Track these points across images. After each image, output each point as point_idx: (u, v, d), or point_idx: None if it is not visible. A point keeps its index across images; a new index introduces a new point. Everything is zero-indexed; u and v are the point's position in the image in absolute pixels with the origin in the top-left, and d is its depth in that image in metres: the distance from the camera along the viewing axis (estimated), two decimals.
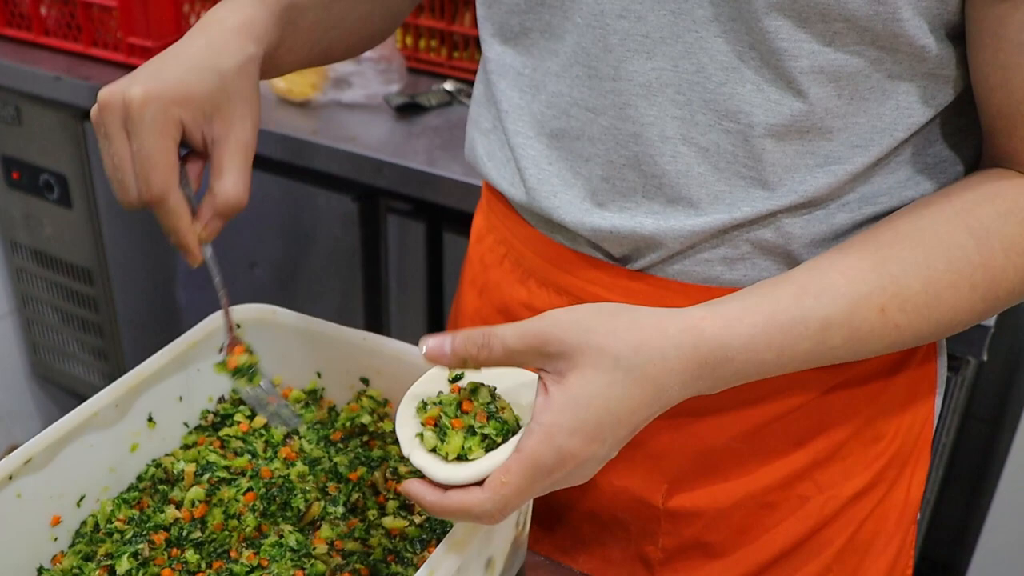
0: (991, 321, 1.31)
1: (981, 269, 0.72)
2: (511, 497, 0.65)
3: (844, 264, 0.73)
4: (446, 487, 0.67)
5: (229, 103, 0.76)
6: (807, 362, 0.72)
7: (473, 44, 1.81)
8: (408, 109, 1.76)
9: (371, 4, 0.96)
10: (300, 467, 0.87)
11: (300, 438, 0.92)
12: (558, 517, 0.96)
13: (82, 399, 0.83)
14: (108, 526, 0.83)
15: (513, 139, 0.86)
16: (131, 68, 1.89)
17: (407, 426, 0.71)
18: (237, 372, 0.83)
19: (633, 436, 0.68)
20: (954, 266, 0.72)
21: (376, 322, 1.80)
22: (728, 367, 0.69)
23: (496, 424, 0.69)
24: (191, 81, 0.74)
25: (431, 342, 0.68)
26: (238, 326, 0.92)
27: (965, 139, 0.80)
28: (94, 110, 0.75)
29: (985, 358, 1.35)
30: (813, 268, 0.73)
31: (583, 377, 0.65)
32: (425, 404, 0.72)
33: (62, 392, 2.48)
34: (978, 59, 0.72)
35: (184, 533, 0.81)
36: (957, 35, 0.73)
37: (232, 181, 0.75)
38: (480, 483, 0.66)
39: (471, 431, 0.69)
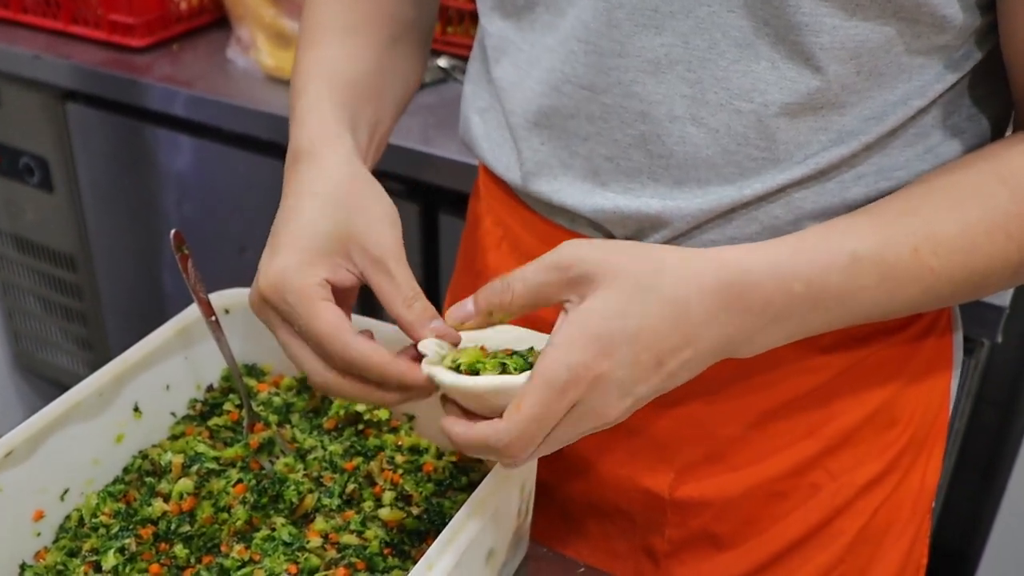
0: (1006, 301, 1.30)
1: (1017, 219, 0.71)
2: (527, 423, 0.65)
3: (873, 209, 0.73)
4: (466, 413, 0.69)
5: (356, 229, 0.74)
6: (840, 303, 0.70)
7: (468, 19, 1.79)
8: None
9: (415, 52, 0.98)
10: (287, 459, 0.86)
11: (292, 427, 0.91)
12: (561, 509, 0.95)
13: (66, 389, 0.83)
14: (93, 520, 0.82)
15: (511, 119, 0.85)
16: (113, 46, 1.89)
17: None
18: (260, 450, 0.87)
19: (657, 367, 0.67)
20: (988, 214, 0.71)
21: (370, 305, 1.78)
22: (756, 295, 0.68)
23: (519, 360, 0.69)
24: (306, 235, 0.74)
25: (451, 310, 0.70)
26: (220, 312, 0.91)
27: (984, 109, 0.80)
28: (254, 308, 0.76)
29: (999, 339, 1.34)
30: (840, 217, 0.74)
31: (601, 297, 0.65)
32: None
33: (45, 383, 2.47)
34: (1011, 25, 0.72)
35: (172, 527, 0.81)
36: (982, 3, 0.72)
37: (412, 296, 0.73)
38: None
39: (492, 356, 0.69)
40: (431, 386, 0.70)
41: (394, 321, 0.73)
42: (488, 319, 0.69)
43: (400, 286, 0.73)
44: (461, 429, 0.67)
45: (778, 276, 0.68)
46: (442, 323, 0.72)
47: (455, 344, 0.71)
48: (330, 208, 0.75)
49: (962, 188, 0.72)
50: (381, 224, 0.75)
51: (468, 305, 0.69)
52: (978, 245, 0.71)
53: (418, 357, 0.71)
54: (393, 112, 0.92)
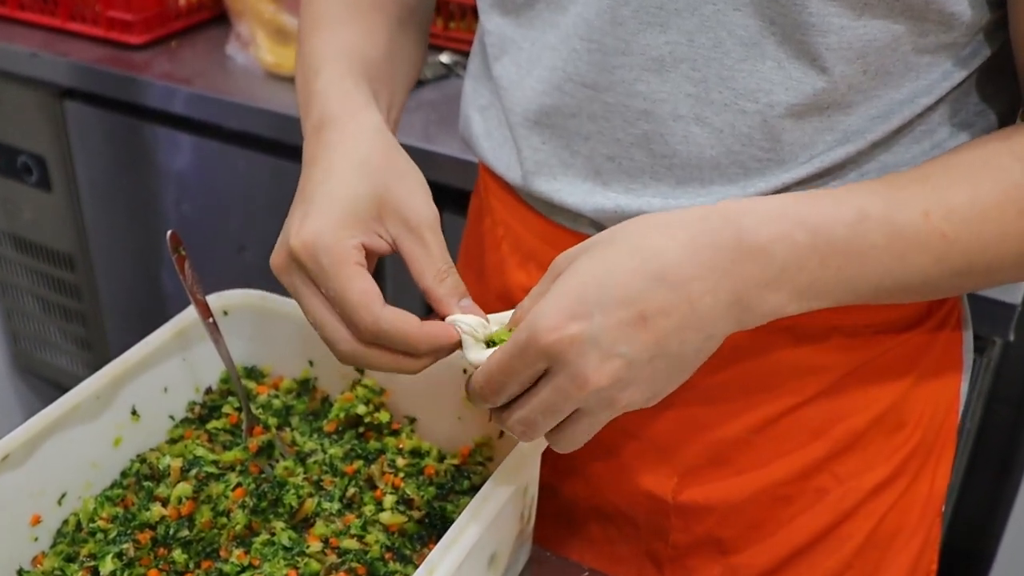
0: (1018, 298, 1.30)
1: None
2: (490, 369, 0.67)
3: (881, 178, 0.72)
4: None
5: (391, 193, 0.73)
6: (848, 260, 0.67)
7: (471, 14, 1.79)
8: None
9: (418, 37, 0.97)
10: (287, 462, 0.86)
11: (292, 430, 0.91)
12: (563, 512, 0.95)
13: (65, 391, 0.83)
14: (91, 525, 0.82)
15: (511, 117, 0.85)
16: (111, 43, 1.89)
17: None
18: (259, 453, 0.86)
19: (641, 324, 0.63)
20: (1000, 186, 0.69)
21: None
22: (754, 242, 0.65)
23: None
24: (341, 196, 0.72)
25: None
26: (219, 313, 0.91)
27: (992, 105, 0.80)
28: (277, 270, 0.74)
29: (1012, 338, 1.34)
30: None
31: (576, 264, 0.66)
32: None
33: (44, 384, 2.47)
34: (1021, 21, 0.72)
35: (171, 532, 0.81)
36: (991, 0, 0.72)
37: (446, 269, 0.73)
38: None
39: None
40: (457, 337, 0.70)
41: (423, 294, 0.72)
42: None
43: (434, 257, 0.72)
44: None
45: (778, 222, 0.65)
46: (471, 302, 0.71)
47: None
48: (366, 173, 0.73)
49: (974, 161, 0.71)
50: (418, 193, 0.73)
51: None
52: (991, 218, 0.69)
53: None
54: (403, 96, 0.91)
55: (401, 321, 0.69)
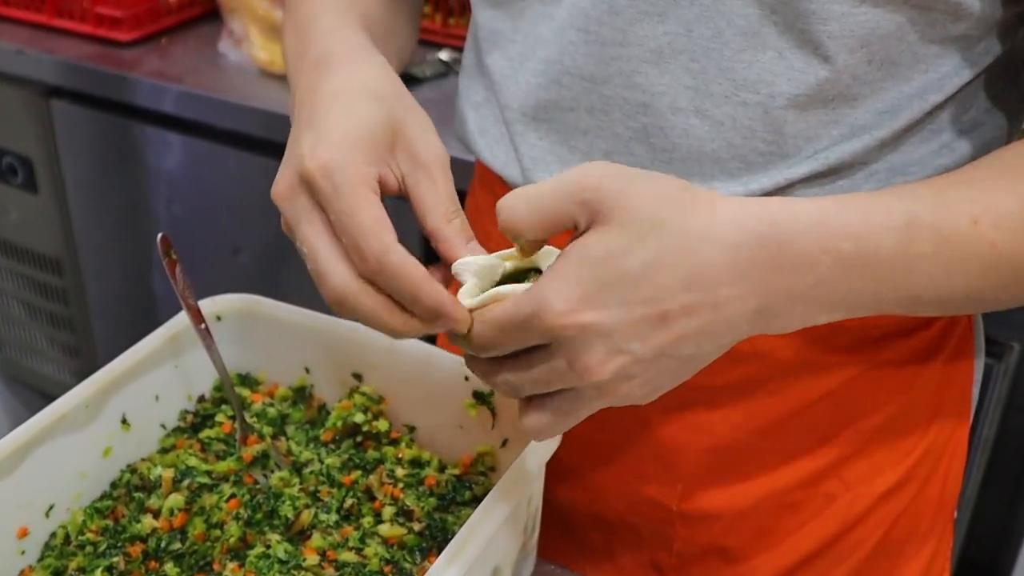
0: None
1: None
2: (489, 325, 0.63)
3: (926, 180, 0.69)
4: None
5: (402, 125, 0.70)
6: (893, 271, 0.64)
7: (470, 10, 1.79)
8: None
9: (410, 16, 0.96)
10: (283, 473, 0.86)
11: (287, 439, 0.91)
12: (566, 523, 0.96)
13: (52, 400, 0.83)
14: (80, 538, 0.83)
15: (506, 113, 0.85)
16: (99, 40, 1.89)
17: None
18: (254, 464, 0.86)
19: (661, 324, 0.60)
20: None
21: None
22: (796, 251, 0.61)
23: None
24: (355, 124, 0.68)
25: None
26: (214, 316, 0.91)
27: (1002, 104, 0.80)
28: (278, 196, 0.69)
29: None
30: (886, 188, 0.70)
31: (600, 235, 0.60)
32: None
33: (31, 392, 2.48)
34: None
35: (163, 544, 0.81)
36: None
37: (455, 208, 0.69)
38: None
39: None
40: (467, 319, 0.65)
41: (428, 236, 0.69)
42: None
43: (442, 197, 0.68)
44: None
45: (824, 230, 0.62)
46: (478, 245, 0.68)
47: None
48: (378, 102, 0.70)
49: (1017, 167, 0.68)
50: (429, 130, 0.71)
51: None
52: None
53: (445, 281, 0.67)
54: (397, 66, 0.89)
55: (412, 261, 0.64)
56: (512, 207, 0.62)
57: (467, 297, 0.65)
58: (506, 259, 0.68)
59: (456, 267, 0.67)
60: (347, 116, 0.68)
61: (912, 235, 0.64)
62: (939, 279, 0.66)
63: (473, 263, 0.66)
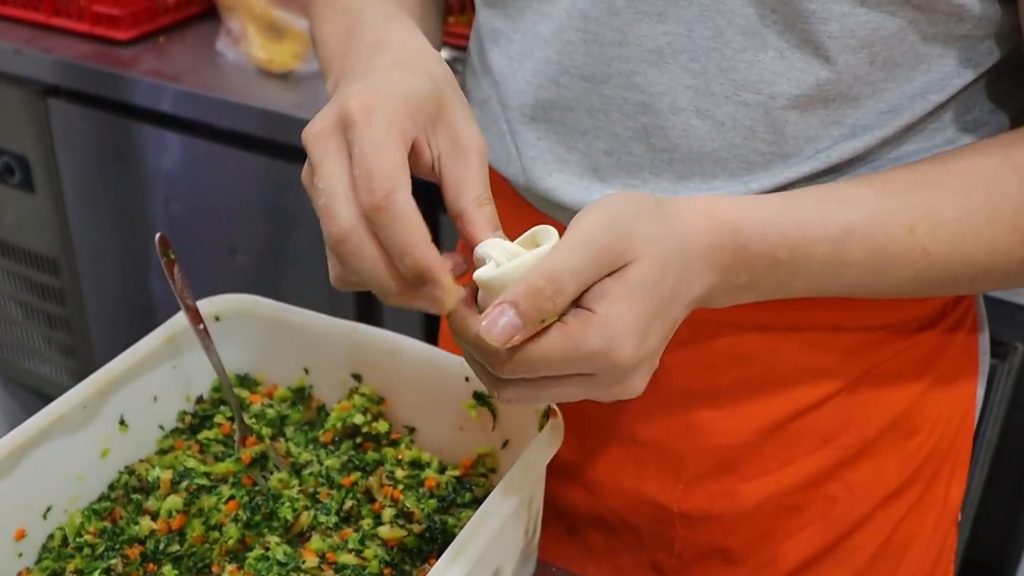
0: None
1: None
2: (531, 359, 0.61)
3: (874, 179, 0.73)
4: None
5: (450, 105, 0.68)
6: (822, 274, 0.71)
7: (471, 8, 1.79)
8: None
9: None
10: (282, 474, 0.86)
11: (286, 440, 0.91)
12: (566, 524, 0.96)
13: (49, 401, 0.83)
14: (77, 540, 0.82)
15: (507, 112, 0.86)
16: (97, 39, 1.89)
17: None
18: (253, 465, 0.86)
19: (669, 333, 0.65)
20: (993, 201, 0.71)
21: (368, 312, 1.79)
22: (741, 257, 0.68)
23: None
24: (409, 85, 0.67)
25: (489, 327, 0.60)
26: (210, 315, 0.91)
27: (1005, 104, 0.80)
28: (305, 163, 0.67)
29: None
30: (840, 181, 0.74)
31: (642, 265, 0.62)
32: None
33: (28, 393, 2.48)
34: None
35: (161, 547, 0.81)
36: None
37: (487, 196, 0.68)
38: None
39: None
40: (454, 290, 0.63)
41: (455, 219, 0.67)
42: (540, 324, 0.61)
43: (476, 181, 0.67)
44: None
45: (764, 239, 0.68)
46: (503, 234, 0.66)
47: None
48: (430, 80, 0.68)
49: (971, 172, 0.73)
50: (472, 119, 0.69)
51: (510, 315, 0.60)
52: (980, 233, 0.71)
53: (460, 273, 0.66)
54: None
55: (415, 214, 0.63)
56: (558, 293, 0.60)
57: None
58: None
59: (480, 248, 0.65)
60: (399, 82, 0.67)
61: (846, 245, 0.70)
62: (869, 281, 0.72)
63: (499, 245, 0.65)
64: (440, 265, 0.62)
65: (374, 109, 0.63)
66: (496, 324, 0.59)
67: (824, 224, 0.69)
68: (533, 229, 0.65)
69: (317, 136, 0.65)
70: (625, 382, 0.63)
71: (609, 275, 0.62)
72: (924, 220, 0.70)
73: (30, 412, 0.82)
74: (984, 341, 0.93)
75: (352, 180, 0.63)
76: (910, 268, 0.72)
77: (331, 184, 0.64)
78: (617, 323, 0.61)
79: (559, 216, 0.86)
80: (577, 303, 0.62)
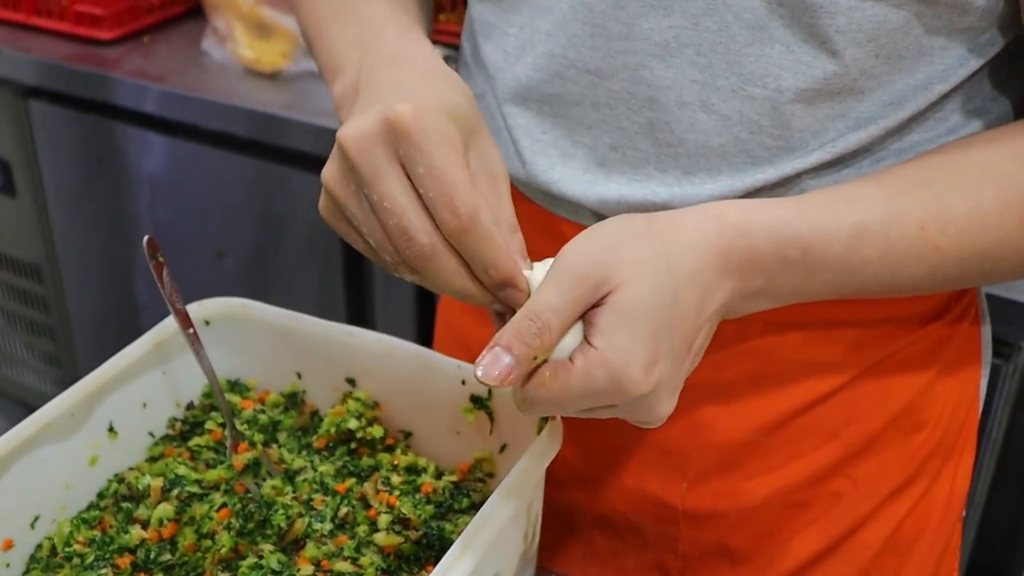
0: None
1: None
2: (545, 399, 0.64)
3: (883, 178, 0.74)
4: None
5: (480, 125, 0.69)
6: (838, 274, 0.72)
7: (461, 5, 1.80)
8: None
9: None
10: (275, 481, 0.86)
11: (279, 447, 0.91)
12: (568, 527, 0.96)
13: (32, 410, 0.83)
14: (66, 549, 0.82)
15: (504, 107, 0.86)
16: (79, 39, 1.89)
17: None
18: (245, 472, 0.86)
19: (689, 351, 0.66)
20: (1003, 195, 0.73)
21: (360, 315, 1.79)
22: (753, 259, 0.69)
23: None
24: (449, 100, 0.67)
25: (485, 368, 0.63)
26: (204, 325, 0.91)
27: (1007, 91, 0.81)
28: (336, 164, 0.67)
29: None
30: (849, 181, 0.75)
31: (630, 290, 0.63)
32: None
33: (10, 403, 2.48)
34: None
35: (152, 556, 0.81)
36: None
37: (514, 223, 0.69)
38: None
39: None
40: (528, 292, 0.67)
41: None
42: (532, 363, 0.64)
43: (508, 209, 0.68)
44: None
45: (775, 239, 0.69)
46: (530, 263, 0.69)
47: None
48: (465, 98, 0.69)
49: (978, 166, 0.74)
50: (495, 146, 0.70)
51: (504, 359, 0.63)
52: (989, 226, 0.72)
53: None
54: None
55: (494, 227, 0.65)
56: (543, 330, 0.63)
57: None
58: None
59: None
60: (440, 95, 0.67)
61: (859, 243, 0.71)
62: (883, 278, 0.73)
63: (530, 277, 0.68)
64: (518, 270, 0.66)
65: (425, 112, 0.64)
66: (491, 367, 0.63)
67: (836, 224, 0.70)
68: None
69: (362, 145, 0.65)
70: (646, 409, 0.65)
71: (599, 305, 0.64)
72: (936, 217, 0.71)
73: (11, 422, 0.81)
74: (986, 333, 0.94)
75: (416, 196, 0.64)
76: (924, 264, 0.73)
77: (400, 204, 0.64)
78: (616, 356, 0.62)
79: (560, 209, 0.86)
80: (586, 338, 0.64)
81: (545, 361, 0.65)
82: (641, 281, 0.64)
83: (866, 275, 0.72)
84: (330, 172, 0.67)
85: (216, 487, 0.86)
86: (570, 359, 0.64)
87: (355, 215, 0.67)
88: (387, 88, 0.69)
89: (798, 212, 0.71)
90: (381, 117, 0.64)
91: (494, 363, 0.63)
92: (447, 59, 1.75)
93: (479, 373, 0.63)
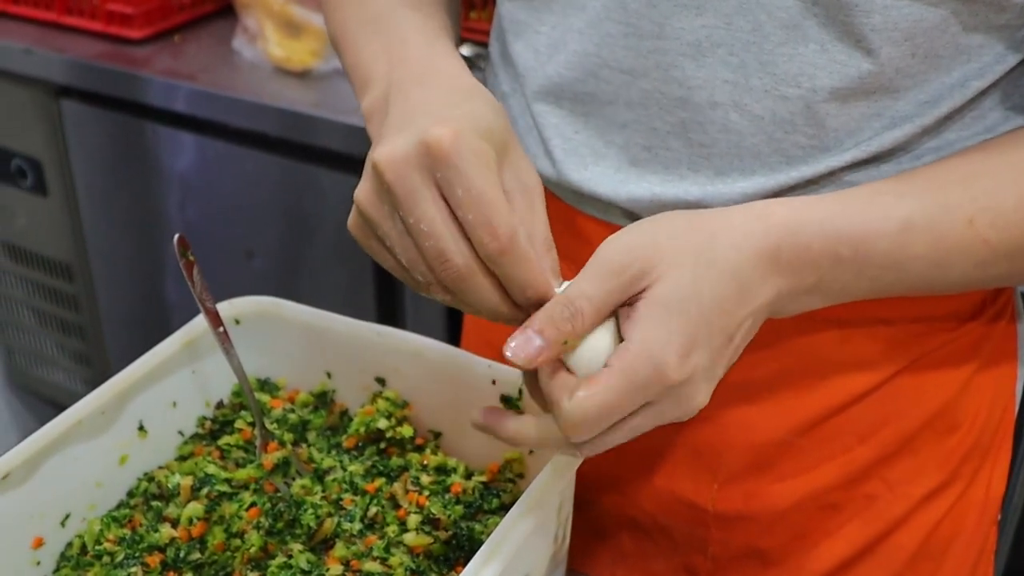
0: None
1: None
2: (592, 410, 0.63)
3: (928, 173, 0.74)
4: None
5: (513, 141, 0.69)
6: (886, 271, 0.72)
7: (492, 3, 1.80)
8: None
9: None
10: (304, 481, 0.87)
11: (309, 446, 0.92)
12: (597, 529, 0.96)
13: (62, 409, 0.83)
14: (96, 548, 0.83)
15: (534, 105, 0.86)
16: (110, 38, 1.91)
17: None
18: (274, 471, 0.86)
19: (729, 343, 0.67)
20: None
21: (390, 315, 1.79)
22: (804, 257, 0.69)
23: None
24: (483, 119, 0.67)
25: (515, 350, 0.63)
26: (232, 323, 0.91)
27: None
28: (370, 184, 0.66)
29: None
30: (892, 177, 0.75)
31: (668, 282, 0.64)
32: None
33: (41, 401, 2.49)
34: None
35: (181, 554, 0.81)
36: None
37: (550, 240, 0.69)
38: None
39: None
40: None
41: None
42: (562, 348, 0.64)
43: (543, 226, 0.68)
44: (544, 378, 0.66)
45: (825, 236, 0.69)
46: (563, 280, 0.68)
47: None
48: (497, 115, 0.69)
49: (1023, 161, 0.74)
50: (528, 159, 0.70)
51: (535, 340, 0.63)
52: None
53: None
54: None
55: (531, 247, 0.65)
56: (575, 315, 0.64)
57: None
58: None
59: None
60: (474, 115, 0.67)
61: (907, 239, 0.71)
62: (933, 274, 0.73)
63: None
64: (552, 290, 0.66)
65: (463, 144, 0.63)
66: (521, 347, 0.64)
67: (884, 219, 0.70)
68: None
69: (399, 169, 0.64)
70: (684, 399, 0.65)
71: (637, 299, 0.65)
72: (984, 212, 0.71)
73: (42, 421, 0.82)
74: (1022, 329, 0.93)
75: (452, 218, 0.64)
76: (972, 258, 0.72)
77: (437, 226, 0.64)
78: (655, 345, 0.63)
79: (589, 208, 0.86)
80: (621, 334, 0.65)
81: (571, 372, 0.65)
82: (680, 275, 0.64)
83: (914, 270, 0.72)
84: (364, 192, 0.67)
85: (245, 486, 0.87)
86: (606, 364, 0.64)
87: (388, 235, 0.67)
88: (418, 106, 0.69)
89: (844, 208, 0.70)
90: (417, 140, 0.64)
91: (525, 344, 0.63)
92: (477, 57, 1.76)
93: (509, 353, 0.63)
